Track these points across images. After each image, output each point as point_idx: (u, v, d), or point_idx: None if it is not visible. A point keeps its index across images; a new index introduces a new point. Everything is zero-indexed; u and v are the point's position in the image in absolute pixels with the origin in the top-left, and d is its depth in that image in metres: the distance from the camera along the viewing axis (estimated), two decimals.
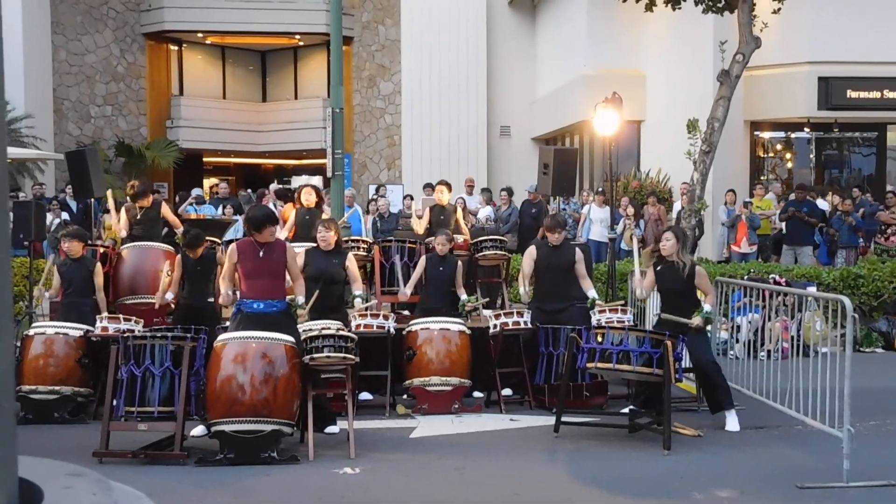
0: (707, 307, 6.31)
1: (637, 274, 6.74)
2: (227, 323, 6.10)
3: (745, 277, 9.58)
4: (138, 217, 8.42)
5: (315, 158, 21.14)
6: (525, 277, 7.33)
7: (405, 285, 7.70)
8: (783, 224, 13.10)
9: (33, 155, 17.01)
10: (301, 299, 5.91)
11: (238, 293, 5.78)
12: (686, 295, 6.42)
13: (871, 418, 6.53)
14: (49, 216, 13.10)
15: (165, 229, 8.83)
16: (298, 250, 7.07)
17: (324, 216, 8.70)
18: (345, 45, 15.31)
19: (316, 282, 6.30)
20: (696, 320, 6.22)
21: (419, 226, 9.21)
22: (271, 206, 13.79)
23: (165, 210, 8.63)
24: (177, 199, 16.28)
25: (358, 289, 6.99)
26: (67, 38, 20.28)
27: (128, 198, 8.60)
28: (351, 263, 6.93)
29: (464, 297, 7.52)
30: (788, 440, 6.08)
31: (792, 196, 13.24)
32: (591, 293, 7.33)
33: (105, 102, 20.78)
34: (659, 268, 6.52)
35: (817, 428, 5.73)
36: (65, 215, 13.73)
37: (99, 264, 7.58)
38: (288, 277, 5.90)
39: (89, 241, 8.21)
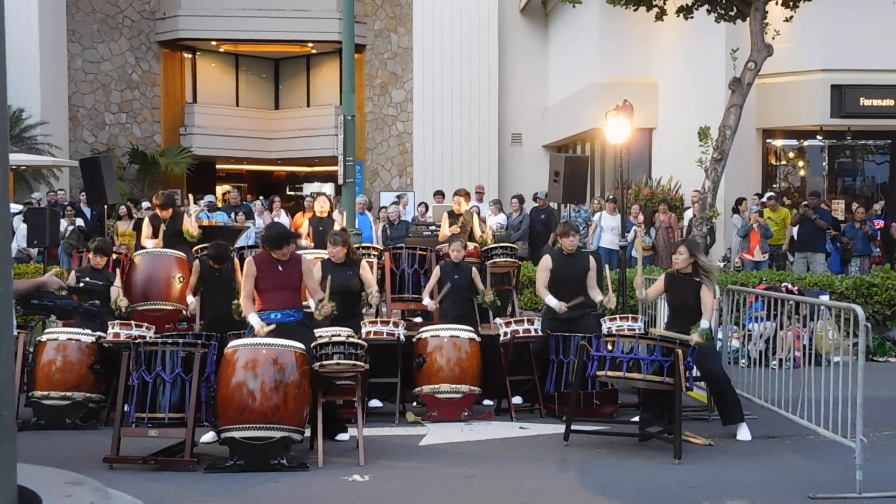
0: (704, 323, 6.24)
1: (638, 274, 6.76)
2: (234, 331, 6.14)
3: (766, 286, 9.50)
4: (163, 229, 8.54)
5: (327, 165, 21.24)
6: (544, 287, 7.28)
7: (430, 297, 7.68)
8: (795, 230, 13.05)
9: (48, 162, 17.18)
10: (320, 296, 5.97)
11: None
12: (696, 312, 6.38)
13: (885, 428, 6.47)
14: (63, 222, 13.22)
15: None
16: (310, 256, 7.11)
17: (336, 225, 8.75)
18: (357, 53, 15.39)
19: (332, 295, 6.33)
20: (693, 337, 6.15)
21: (444, 234, 9.22)
22: (282, 214, 13.89)
23: (185, 222, 8.70)
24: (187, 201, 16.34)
25: (374, 291, 7.03)
26: (83, 46, 20.48)
27: (152, 206, 8.70)
28: (365, 271, 7.00)
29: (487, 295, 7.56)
30: (800, 450, 6.03)
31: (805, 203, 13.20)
32: (598, 297, 7.30)
33: (120, 110, 20.96)
34: (671, 281, 6.48)
35: (830, 438, 5.68)
36: (79, 221, 13.84)
37: (118, 277, 7.62)
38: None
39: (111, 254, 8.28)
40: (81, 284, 5.63)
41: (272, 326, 5.69)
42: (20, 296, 4.77)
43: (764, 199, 13.28)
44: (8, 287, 1.51)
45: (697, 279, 6.35)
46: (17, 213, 10.75)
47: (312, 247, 8.26)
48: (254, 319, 5.76)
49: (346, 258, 6.89)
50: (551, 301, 7.18)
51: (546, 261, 7.41)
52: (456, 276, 7.57)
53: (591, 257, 7.59)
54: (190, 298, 7.51)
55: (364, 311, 7.39)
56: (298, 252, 6.59)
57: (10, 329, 1.53)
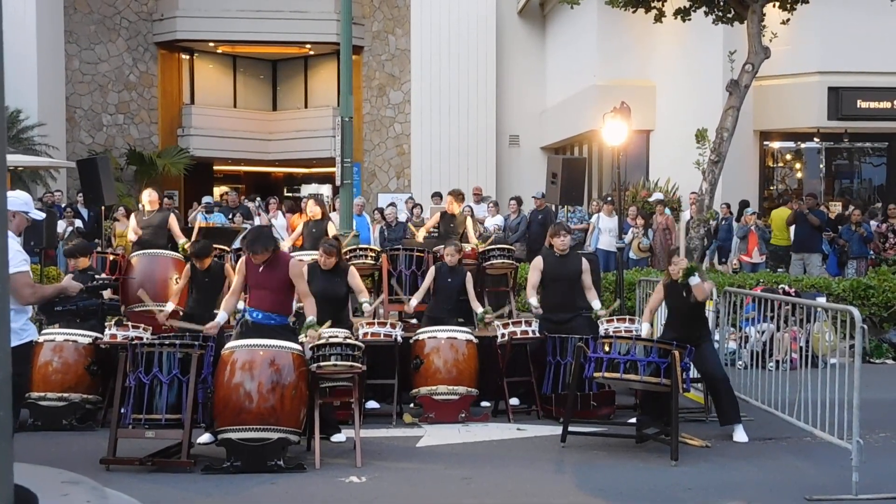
0: (697, 277, 6.23)
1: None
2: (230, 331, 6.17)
3: (762, 288, 9.52)
4: (144, 218, 8.68)
5: (324, 167, 21.22)
6: (532, 288, 7.31)
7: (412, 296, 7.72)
8: (791, 230, 13.08)
9: (45, 163, 17.14)
10: (313, 319, 5.90)
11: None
12: (694, 315, 6.39)
13: (881, 430, 6.48)
14: (62, 223, 13.20)
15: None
16: (306, 259, 7.10)
17: (331, 226, 8.75)
18: (355, 55, 15.38)
19: (316, 299, 6.32)
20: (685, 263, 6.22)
21: (419, 234, 9.27)
22: (280, 215, 13.87)
23: (172, 222, 8.75)
24: (189, 208, 16.36)
25: (364, 297, 6.99)
26: (81, 47, 20.47)
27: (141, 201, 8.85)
28: (353, 278, 6.92)
29: (479, 309, 7.51)
30: (797, 451, 6.04)
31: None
32: (595, 303, 7.31)
33: (117, 111, 20.94)
34: (670, 289, 6.48)
35: (826, 439, 5.69)
36: (78, 222, 13.83)
37: (104, 273, 7.64)
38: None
39: (98, 250, 8.31)
40: (95, 282, 5.66)
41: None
42: (45, 300, 4.81)
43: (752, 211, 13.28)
44: (4, 287, 1.51)
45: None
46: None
47: (292, 249, 8.27)
48: (220, 314, 6.05)
49: (334, 266, 6.89)
50: (532, 302, 7.24)
51: (538, 261, 7.42)
52: (450, 279, 7.57)
53: (583, 259, 7.60)
54: (170, 305, 7.26)
55: (358, 314, 7.36)
56: (289, 254, 6.58)
57: (6, 330, 1.54)
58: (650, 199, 13.83)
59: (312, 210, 8.70)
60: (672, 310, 6.55)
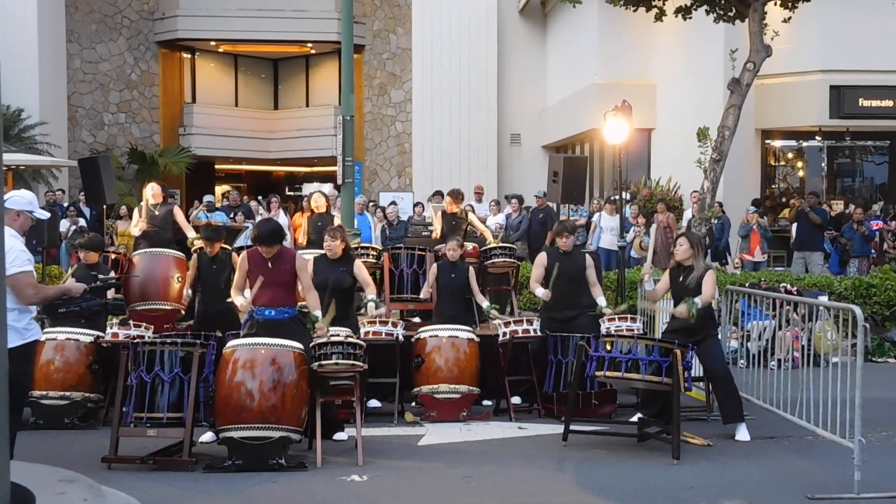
0: (698, 300, 6.21)
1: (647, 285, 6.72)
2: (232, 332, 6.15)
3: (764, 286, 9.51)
4: (155, 213, 8.69)
5: (326, 166, 21.24)
6: (536, 282, 7.30)
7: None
8: (793, 229, 13.08)
9: (47, 162, 17.16)
10: (318, 313, 5.91)
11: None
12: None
13: (883, 429, 6.48)
14: (65, 222, 13.23)
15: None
16: (307, 257, 7.11)
17: (336, 221, 8.77)
18: (356, 54, 15.36)
19: (323, 290, 6.31)
20: (680, 308, 6.16)
21: (435, 233, 9.25)
22: (281, 213, 13.88)
23: (177, 213, 8.85)
24: (190, 207, 16.36)
25: (371, 293, 6.97)
26: (82, 46, 20.49)
27: (141, 203, 8.86)
28: (360, 270, 6.92)
29: (485, 304, 7.53)
30: (799, 450, 6.03)
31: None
32: (601, 300, 7.30)
33: (119, 110, 20.96)
34: (674, 274, 6.48)
35: (828, 438, 5.69)
36: (81, 221, 13.85)
37: (112, 272, 7.65)
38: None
39: (103, 250, 8.33)
40: (98, 283, 5.68)
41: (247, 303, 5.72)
42: (47, 301, 4.82)
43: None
44: (0, 286, 1.52)
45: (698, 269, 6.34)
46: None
47: (304, 245, 8.28)
48: (239, 300, 5.81)
49: (342, 254, 6.87)
50: (539, 291, 7.21)
51: (541, 257, 7.41)
52: (452, 276, 7.56)
53: (587, 256, 7.60)
54: (187, 292, 7.56)
55: (362, 311, 7.37)
56: (293, 249, 6.59)
57: (2, 330, 1.54)
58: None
59: (318, 202, 8.69)
60: (678, 299, 6.53)
